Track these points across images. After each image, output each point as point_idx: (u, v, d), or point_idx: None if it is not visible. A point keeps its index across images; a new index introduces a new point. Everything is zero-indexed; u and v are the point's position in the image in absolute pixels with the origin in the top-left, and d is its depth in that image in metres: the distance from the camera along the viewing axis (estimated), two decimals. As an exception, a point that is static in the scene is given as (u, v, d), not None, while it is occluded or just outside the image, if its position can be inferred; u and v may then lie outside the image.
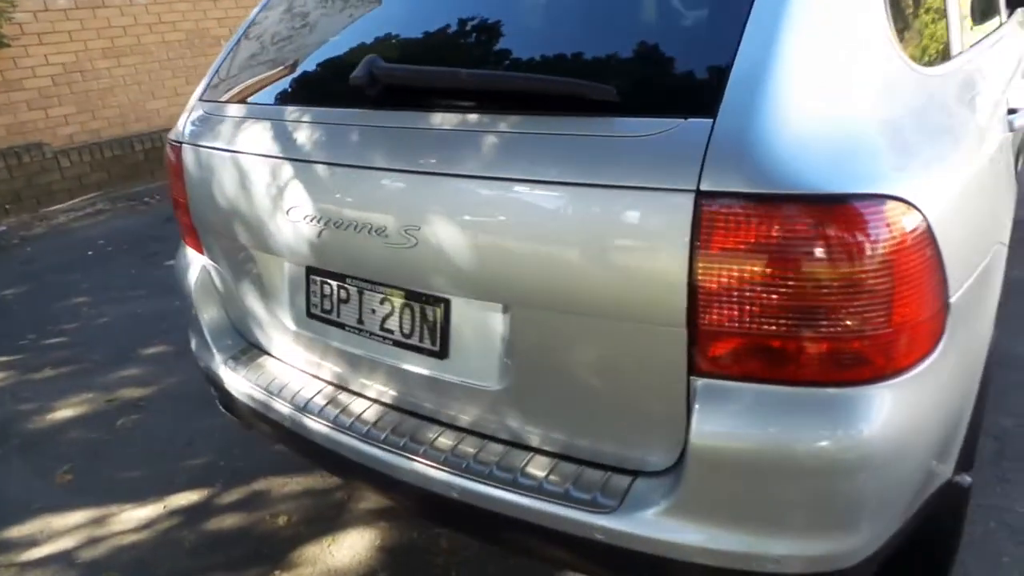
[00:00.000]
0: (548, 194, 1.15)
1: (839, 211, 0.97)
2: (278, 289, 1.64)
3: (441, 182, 1.24)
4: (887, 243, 0.98)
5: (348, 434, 1.49)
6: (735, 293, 1.03)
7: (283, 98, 1.56)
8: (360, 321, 1.49)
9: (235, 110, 1.63)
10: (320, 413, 1.54)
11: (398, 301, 1.41)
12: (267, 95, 1.61)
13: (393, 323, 1.43)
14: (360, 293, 1.47)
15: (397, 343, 1.43)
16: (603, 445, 1.27)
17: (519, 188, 1.17)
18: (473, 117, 1.23)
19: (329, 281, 1.52)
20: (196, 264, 1.85)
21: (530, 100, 1.19)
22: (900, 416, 1.06)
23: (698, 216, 1.02)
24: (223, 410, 1.95)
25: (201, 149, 1.67)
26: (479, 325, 1.32)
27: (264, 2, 1.82)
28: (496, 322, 1.29)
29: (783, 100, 1.02)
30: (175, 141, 1.76)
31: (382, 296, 1.43)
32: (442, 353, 1.37)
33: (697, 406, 1.10)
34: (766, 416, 1.07)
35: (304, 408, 1.57)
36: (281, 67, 1.63)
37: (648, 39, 1.18)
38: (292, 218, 1.46)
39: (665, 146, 1.05)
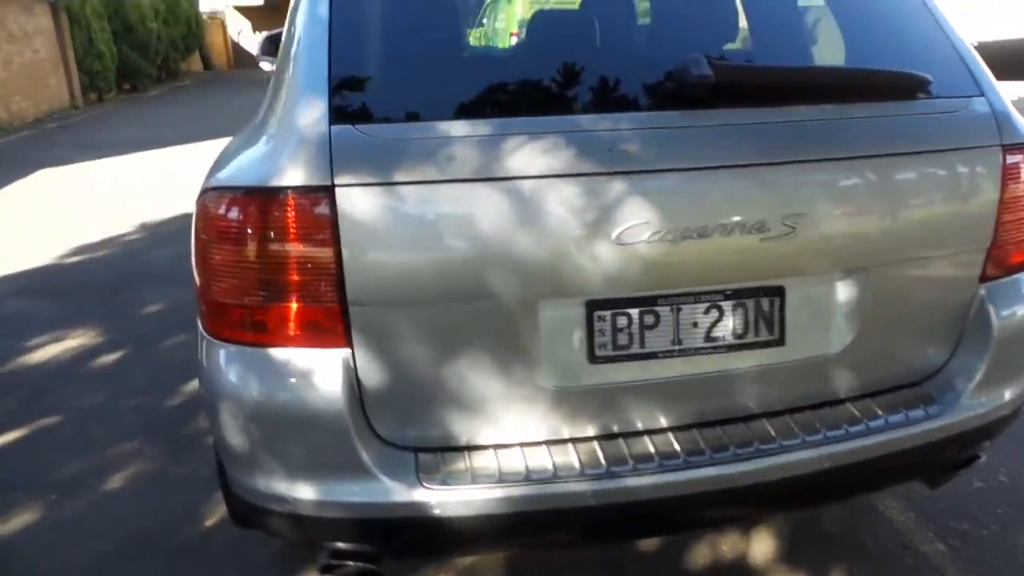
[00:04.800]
0: (902, 165, 1.38)
1: None
2: (526, 345, 1.30)
3: (817, 168, 1.32)
4: None
5: (689, 468, 1.34)
6: (1021, 211, 1.48)
7: (558, 107, 1.27)
8: (676, 341, 1.35)
9: (461, 128, 1.22)
10: (638, 465, 1.32)
11: (728, 304, 1.36)
12: (510, 104, 1.28)
13: (723, 329, 1.37)
14: (675, 311, 1.34)
15: (730, 347, 1.38)
16: (899, 368, 1.53)
17: (879, 163, 1.36)
18: (828, 107, 1.34)
19: (627, 311, 1.32)
20: (330, 366, 1.26)
21: (865, 90, 1.38)
22: None
23: (1004, 161, 1.43)
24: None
25: (397, 188, 1.19)
26: (818, 299, 1.42)
27: None
28: (838, 291, 1.42)
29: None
30: (311, 188, 1.18)
31: (708, 304, 1.35)
32: (780, 340, 1.40)
33: (991, 303, 1.50)
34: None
35: (609, 472, 1.31)
36: (510, 73, 1.31)
37: (914, 42, 1.52)
38: (602, 241, 1.24)
39: (971, 116, 1.43)
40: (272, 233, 1.21)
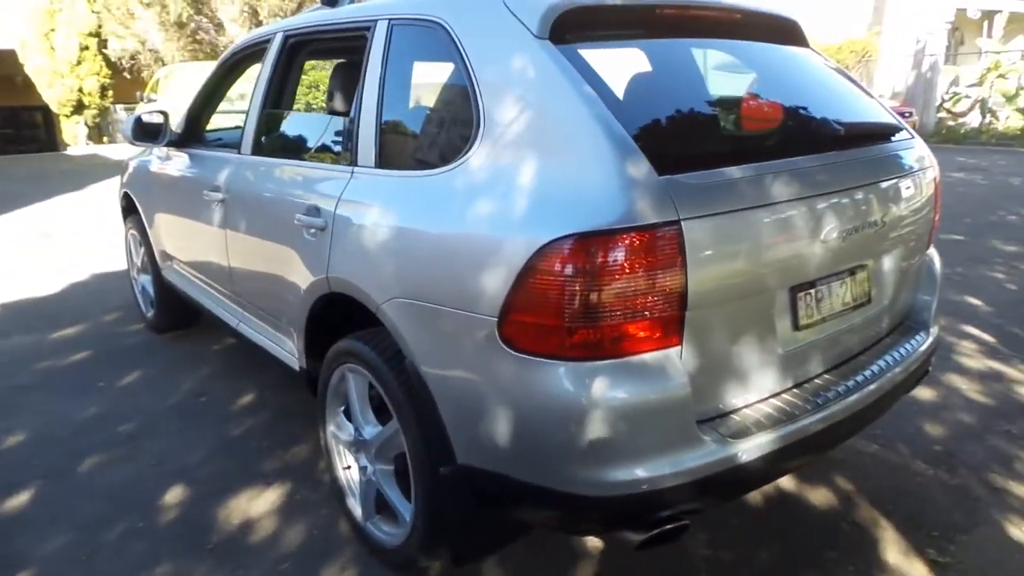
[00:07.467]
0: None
1: None
2: (770, 324, 1.80)
3: (892, 183, 2.06)
4: None
5: (850, 393, 1.94)
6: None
7: (771, 152, 1.79)
8: (830, 308, 1.96)
9: (738, 171, 1.70)
10: (831, 397, 1.89)
11: (849, 278, 2.02)
12: (748, 153, 1.77)
13: (848, 296, 2.01)
14: (828, 287, 1.96)
15: (853, 308, 2.03)
16: (905, 309, 2.34)
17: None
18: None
19: (810, 291, 1.90)
20: (673, 361, 1.62)
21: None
22: None
23: (935, 179, 2.33)
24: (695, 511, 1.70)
25: (718, 218, 1.63)
26: (881, 271, 2.14)
27: None
28: (885, 264, 2.16)
29: None
30: (667, 222, 1.54)
31: (840, 281, 1.99)
32: (868, 300, 2.09)
33: (932, 261, 2.39)
34: None
35: (818, 405, 1.85)
36: (731, 131, 1.78)
37: None
38: (816, 240, 1.82)
39: (914, 150, 2.29)
40: (644, 262, 1.54)
